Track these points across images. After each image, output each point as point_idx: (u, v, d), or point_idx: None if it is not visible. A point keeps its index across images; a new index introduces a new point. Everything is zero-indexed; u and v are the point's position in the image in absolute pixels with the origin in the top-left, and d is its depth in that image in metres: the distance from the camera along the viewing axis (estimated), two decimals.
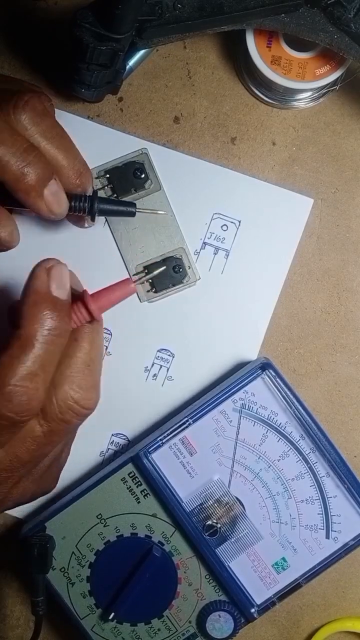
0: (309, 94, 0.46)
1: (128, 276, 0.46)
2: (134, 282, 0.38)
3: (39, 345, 0.33)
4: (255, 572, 0.44)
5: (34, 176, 0.37)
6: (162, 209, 0.46)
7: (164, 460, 0.44)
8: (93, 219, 0.42)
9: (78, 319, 0.36)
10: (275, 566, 0.44)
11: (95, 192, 0.42)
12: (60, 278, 0.35)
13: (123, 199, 0.45)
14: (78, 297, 0.37)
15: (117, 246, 0.46)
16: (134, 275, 0.46)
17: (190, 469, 0.44)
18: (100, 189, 0.46)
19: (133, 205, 0.43)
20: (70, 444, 0.42)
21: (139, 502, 0.44)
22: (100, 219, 0.46)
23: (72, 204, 0.41)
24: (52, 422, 0.36)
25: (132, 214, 0.43)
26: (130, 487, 0.44)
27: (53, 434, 0.36)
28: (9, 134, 0.36)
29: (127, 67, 0.45)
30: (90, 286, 0.45)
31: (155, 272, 0.43)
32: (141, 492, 0.44)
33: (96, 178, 0.46)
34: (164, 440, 0.44)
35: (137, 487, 0.44)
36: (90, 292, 0.38)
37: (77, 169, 0.41)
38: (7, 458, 0.35)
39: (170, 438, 0.44)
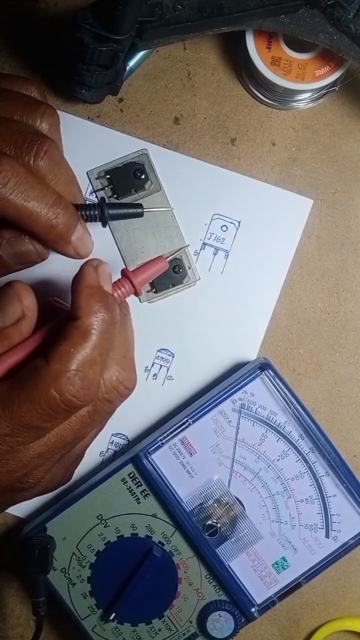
0: (308, 94, 0.46)
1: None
2: (166, 258, 0.41)
3: (96, 334, 0.36)
4: (255, 571, 0.44)
5: (63, 226, 0.39)
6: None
7: (164, 460, 0.44)
8: (104, 225, 0.43)
9: (123, 293, 0.40)
10: (276, 566, 0.44)
11: (102, 199, 0.44)
12: (106, 274, 0.38)
13: (127, 201, 0.46)
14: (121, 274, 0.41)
15: (117, 247, 0.46)
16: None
17: (190, 469, 0.44)
18: (100, 189, 0.46)
19: (140, 206, 0.44)
20: (96, 434, 0.43)
21: (139, 503, 0.44)
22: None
23: (83, 213, 0.42)
24: (97, 402, 0.38)
25: (141, 215, 0.44)
26: (130, 487, 0.44)
27: (96, 414, 0.38)
28: (39, 188, 0.38)
29: (127, 68, 0.45)
30: None
31: (179, 249, 0.45)
32: (141, 492, 0.44)
33: (96, 179, 0.46)
34: (163, 441, 0.44)
35: (137, 487, 0.44)
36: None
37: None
38: (53, 438, 0.37)
39: (170, 438, 0.44)
